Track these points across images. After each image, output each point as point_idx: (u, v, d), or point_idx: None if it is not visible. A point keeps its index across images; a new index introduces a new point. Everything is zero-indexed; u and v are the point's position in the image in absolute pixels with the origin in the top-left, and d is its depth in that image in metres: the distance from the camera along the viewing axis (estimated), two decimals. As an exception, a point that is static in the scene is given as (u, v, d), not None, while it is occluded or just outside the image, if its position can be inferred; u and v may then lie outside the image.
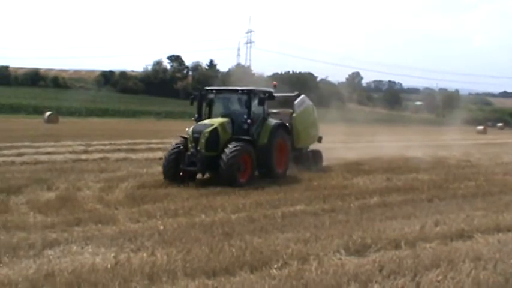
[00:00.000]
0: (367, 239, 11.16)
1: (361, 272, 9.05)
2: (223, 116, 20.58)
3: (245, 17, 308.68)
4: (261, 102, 20.47)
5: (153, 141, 37.70)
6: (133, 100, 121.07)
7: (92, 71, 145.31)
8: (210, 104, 21.35)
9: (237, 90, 21.11)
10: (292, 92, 25.38)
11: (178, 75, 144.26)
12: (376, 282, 8.64)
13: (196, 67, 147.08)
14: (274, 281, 8.60)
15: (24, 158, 25.45)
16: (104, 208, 14.18)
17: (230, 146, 18.81)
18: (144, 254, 9.97)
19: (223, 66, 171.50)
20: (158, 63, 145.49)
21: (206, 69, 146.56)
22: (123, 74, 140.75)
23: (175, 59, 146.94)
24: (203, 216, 13.46)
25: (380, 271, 9.16)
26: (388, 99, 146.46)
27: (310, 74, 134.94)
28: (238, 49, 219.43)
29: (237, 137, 19.64)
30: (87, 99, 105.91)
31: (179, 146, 19.46)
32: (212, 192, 16.85)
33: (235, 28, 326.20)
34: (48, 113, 72.32)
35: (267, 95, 21.34)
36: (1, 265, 9.38)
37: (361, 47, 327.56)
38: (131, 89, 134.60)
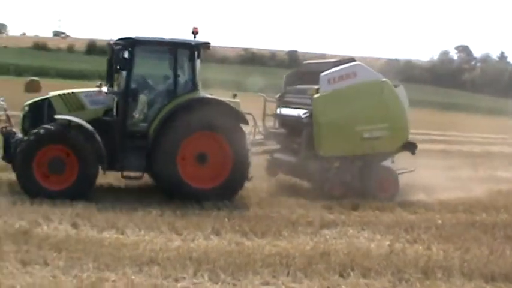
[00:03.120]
0: None
1: None
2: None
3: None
4: (123, 60, 12.35)
5: (434, 132, 36.62)
6: (417, 89, 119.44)
7: (378, 59, 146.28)
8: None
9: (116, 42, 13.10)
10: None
11: (466, 66, 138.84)
12: None
13: (486, 59, 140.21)
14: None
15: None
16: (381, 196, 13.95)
17: (35, 130, 11.86)
18: (420, 247, 9.80)
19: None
20: (445, 54, 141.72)
21: (496, 61, 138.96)
22: (409, 63, 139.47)
23: (463, 49, 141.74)
24: (484, 215, 12.82)
25: None
26: None
27: None
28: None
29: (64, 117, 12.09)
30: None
31: None
32: (493, 191, 15.72)
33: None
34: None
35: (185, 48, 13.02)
36: (281, 238, 9.91)
37: None
38: (416, 79, 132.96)
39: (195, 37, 13.10)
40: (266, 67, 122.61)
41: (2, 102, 13.31)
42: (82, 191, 11.74)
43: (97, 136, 11.91)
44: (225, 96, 13.25)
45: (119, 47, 12.56)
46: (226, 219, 10.64)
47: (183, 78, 13.04)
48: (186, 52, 13.00)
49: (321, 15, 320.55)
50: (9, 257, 7.91)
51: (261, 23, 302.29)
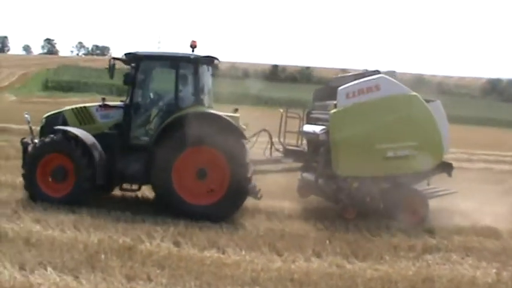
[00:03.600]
0: None
1: None
2: None
3: None
4: (126, 80, 12.86)
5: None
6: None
7: (478, 78, 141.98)
8: None
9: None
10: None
11: None
12: None
13: None
14: None
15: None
16: (486, 221, 13.20)
17: (39, 140, 12.88)
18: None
19: None
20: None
21: None
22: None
23: None
24: None
25: None
26: None
27: None
28: None
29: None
30: (471, 106, 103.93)
31: None
32: None
33: None
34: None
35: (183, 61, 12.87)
36: (382, 262, 9.75)
37: None
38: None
39: (193, 51, 12.94)
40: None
41: (26, 116, 13.84)
42: (76, 200, 12.09)
43: (95, 148, 12.34)
44: (225, 111, 13.05)
45: (113, 63, 13.14)
46: (327, 241, 10.58)
47: (185, 92, 13.03)
48: (187, 66, 12.89)
49: (421, 36, 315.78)
50: (114, 271, 8.18)
51: (359, 43, 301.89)
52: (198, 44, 12.98)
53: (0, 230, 10.01)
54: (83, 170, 12.17)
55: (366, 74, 13.29)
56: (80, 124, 12.99)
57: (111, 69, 13.09)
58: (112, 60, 13.26)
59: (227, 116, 12.51)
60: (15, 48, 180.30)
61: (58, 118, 13.26)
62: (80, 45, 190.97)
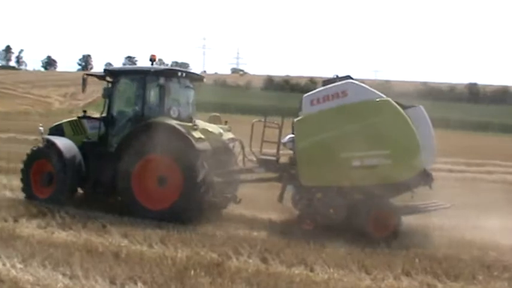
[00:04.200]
0: None
1: None
2: None
3: None
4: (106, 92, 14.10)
5: None
6: None
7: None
8: None
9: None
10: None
11: None
12: None
13: None
14: None
15: (494, 177, 25.18)
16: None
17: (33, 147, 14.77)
18: None
19: None
20: None
21: None
22: None
23: None
24: None
25: None
26: None
27: None
28: None
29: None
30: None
31: None
32: None
33: None
34: (516, 132, 70.66)
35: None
36: (475, 282, 9.40)
37: None
38: None
39: (152, 64, 14.23)
40: (443, 101, 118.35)
41: (40, 128, 15.09)
42: (56, 201, 13.23)
43: (71, 156, 13.67)
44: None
45: (85, 78, 14.54)
46: (417, 260, 10.26)
47: (152, 103, 13.88)
48: (151, 79, 13.73)
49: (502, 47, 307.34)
50: (204, 288, 8.20)
51: (440, 56, 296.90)
52: (157, 58, 14.54)
53: (91, 244, 10.28)
54: (58, 174, 13.61)
55: (335, 80, 12.79)
56: (74, 134, 14.50)
57: (83, 84, 14.50)
58: (85, 75, 14.72)
59: (183, 126, 13.02)
60: (97, 66, 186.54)
61: (58, 128, 14.81)
62: (160, 62, 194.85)
